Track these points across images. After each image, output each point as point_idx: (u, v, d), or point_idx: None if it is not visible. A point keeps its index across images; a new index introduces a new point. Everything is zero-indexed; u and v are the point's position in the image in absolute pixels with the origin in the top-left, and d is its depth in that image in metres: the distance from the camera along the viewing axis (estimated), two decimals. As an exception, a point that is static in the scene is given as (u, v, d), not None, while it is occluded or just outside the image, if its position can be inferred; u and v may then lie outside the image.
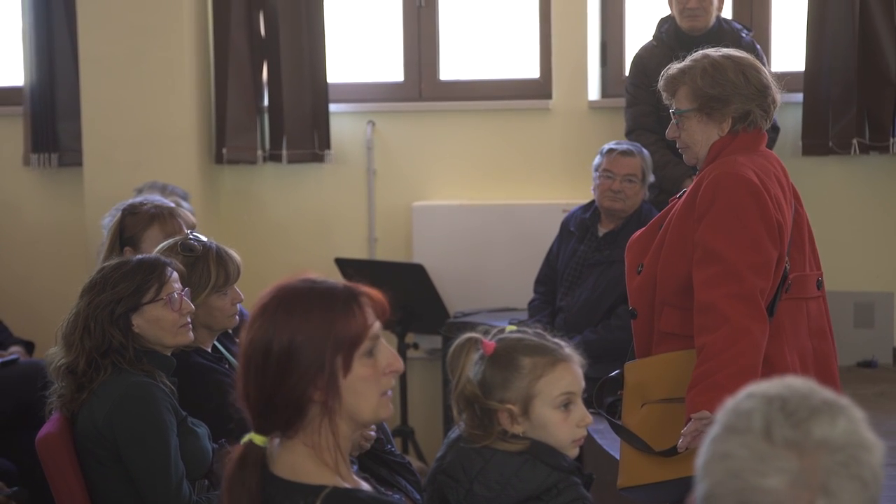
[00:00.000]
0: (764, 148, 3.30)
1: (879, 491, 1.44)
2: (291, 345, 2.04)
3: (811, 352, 3.23)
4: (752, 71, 3.22)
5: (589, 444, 4.35)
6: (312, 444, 2.07)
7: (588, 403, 2.55)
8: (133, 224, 3.85)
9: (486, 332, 2.52)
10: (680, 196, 3.29)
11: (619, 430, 3.24)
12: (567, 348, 2.49)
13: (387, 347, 2.13)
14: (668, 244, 3.19)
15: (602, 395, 3.31)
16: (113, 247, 3.83)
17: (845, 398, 1.49)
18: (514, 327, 2.54)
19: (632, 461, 3.21)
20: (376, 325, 2.11)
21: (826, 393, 1.48)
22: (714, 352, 3.02)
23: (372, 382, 2.09)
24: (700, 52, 3.28)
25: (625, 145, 4.97)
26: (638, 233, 3.38)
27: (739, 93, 3.20)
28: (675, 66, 3.29)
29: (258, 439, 2.07)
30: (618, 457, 3.39)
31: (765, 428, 1.43)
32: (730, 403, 1.49)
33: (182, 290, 3.22)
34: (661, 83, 3.31)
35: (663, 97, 3.32)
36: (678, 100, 3.26)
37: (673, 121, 3.30)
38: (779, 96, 3.28)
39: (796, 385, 1.48)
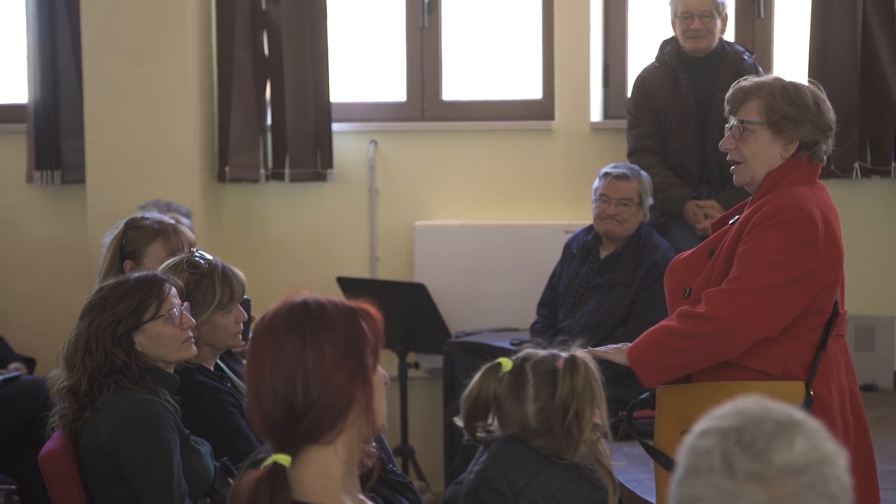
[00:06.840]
0: (818, 180, 3.21)
1: (849, 499, 1.44)
2: (339, 341, 2.03)
3: (847, 389, 3.18)
4: (824, 105, 3.17)
5: (623, 493, 4.22)
6: (345, 450, 2.04)
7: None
8: (136, 238, 3.84)
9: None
10: (733, 222, 3.20)
11: (654, 453, 3.16)
12: None
13: None
14: (718, 270, 3.11)
15: (632, 419, 3.25)
16: (113, 260, 3.82)
17: (799, 411, 1.48)
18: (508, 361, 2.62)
19: None
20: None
21: (779, 411, 1.47)
22: (685, 328, 3.04)
23: (383, 386, 2.12)
24: (771, 76, 3.23)
25: (621, 169, 4.96)
26: (681, 256, 3.30)
27: (811, 119, 3.13)
28: (750, 79, 3.21)
29: (284, 459, 2.00)
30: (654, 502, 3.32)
31: (726, 465, 1.43)
32: (688, 442, 1.48)
33: (182, 305, 3.22)
34: (729, 94, 3.21)
35: (725, 109, 3.22)
36: (746, 112, 3.16)
37: (731, 133, 3.18)
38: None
39: (748, 410, 1.47)
